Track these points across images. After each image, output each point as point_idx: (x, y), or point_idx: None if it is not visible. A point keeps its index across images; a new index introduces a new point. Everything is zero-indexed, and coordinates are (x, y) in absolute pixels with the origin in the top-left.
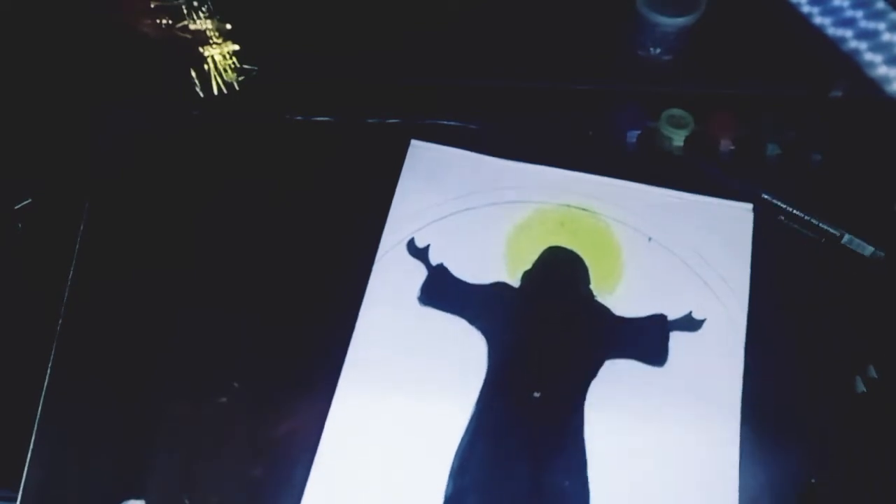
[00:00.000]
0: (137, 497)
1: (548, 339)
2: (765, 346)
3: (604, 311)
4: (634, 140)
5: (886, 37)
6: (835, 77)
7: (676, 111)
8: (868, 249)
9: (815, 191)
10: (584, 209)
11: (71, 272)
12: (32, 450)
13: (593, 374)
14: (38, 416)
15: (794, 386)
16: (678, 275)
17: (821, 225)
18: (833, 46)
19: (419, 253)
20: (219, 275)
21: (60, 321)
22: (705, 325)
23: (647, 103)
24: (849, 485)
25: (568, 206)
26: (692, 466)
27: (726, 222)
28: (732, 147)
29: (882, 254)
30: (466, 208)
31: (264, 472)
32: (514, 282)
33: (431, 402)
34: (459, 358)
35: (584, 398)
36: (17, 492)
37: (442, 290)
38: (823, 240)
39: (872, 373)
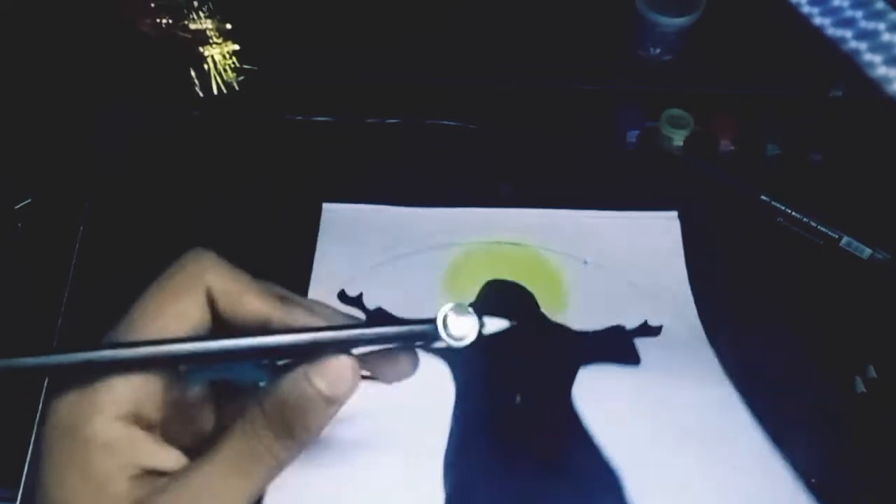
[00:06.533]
0: None
1: (517, 353)
2: (763, 346)
3: (561, 327)
4: (634, 140)
5: (886, 37)
6: (835, 77)
7: (676, 111)
8: (866, 252)
9: (814, 192)
10: (515, 244)
11: (71, 272)
12: (32, 450)
13: (571, 381)
14: (37, 416)
15: (793, 386)
16: (623, 292)
17: (819, 227)
18: (833, 46)
19: (353, 301)
20: None
21: (60, 321)
22: (667, 331)
23: (647, 103)
24: (849, 485)
25: (499, 242)
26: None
27: (655, 234)
28: (732, 147)
29: (881, 256)
30: (395, 256)
31: None
32: None
33: (404, 432)
34: (420, 381)
35: (569, 394)
36: (17, 492)
37: None
38: (822, 241)
39: (872, 373)
